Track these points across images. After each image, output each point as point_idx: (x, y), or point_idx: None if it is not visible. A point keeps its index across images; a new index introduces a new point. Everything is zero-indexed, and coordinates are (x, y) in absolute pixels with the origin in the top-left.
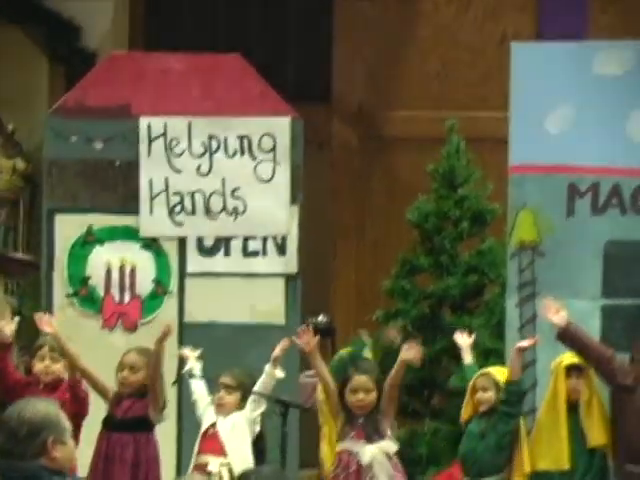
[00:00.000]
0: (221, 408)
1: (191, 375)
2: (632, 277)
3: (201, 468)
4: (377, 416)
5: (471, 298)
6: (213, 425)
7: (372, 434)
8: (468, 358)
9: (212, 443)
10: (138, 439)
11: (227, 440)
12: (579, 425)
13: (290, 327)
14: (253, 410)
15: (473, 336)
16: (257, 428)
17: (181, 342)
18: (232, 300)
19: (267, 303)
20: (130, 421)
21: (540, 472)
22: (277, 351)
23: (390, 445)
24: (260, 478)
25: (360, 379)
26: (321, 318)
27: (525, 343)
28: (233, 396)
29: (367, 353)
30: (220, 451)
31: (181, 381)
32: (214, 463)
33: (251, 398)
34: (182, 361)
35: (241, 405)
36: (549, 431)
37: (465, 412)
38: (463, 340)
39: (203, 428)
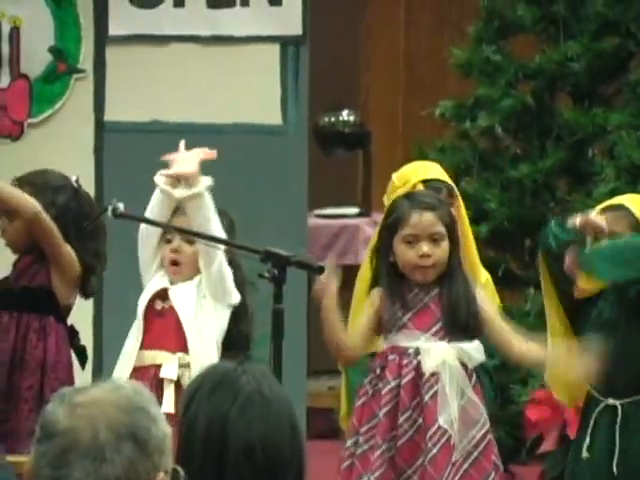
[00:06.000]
0: (177, 270)
1: (116, 212)
2: None
3: (144, 373)
4: (459, 289)
5: (608, 77)
6: (162, 295)
7: (448, 321)
8: None
9: (163, 328)
10: (27, 323)
11: (189, 324)
12: None
13: (290, 132)
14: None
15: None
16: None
17: (99, 161)
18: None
19: (252, 89)
20: (22, 293)
21: None
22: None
23: (474, 350)
24: (231, 383)
25: (423, 218)
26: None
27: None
28: (195, 248)
29: None
30: (178, 342)
31: (102, 222)
32: (169, 364)
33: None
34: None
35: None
36: None
37: (583, 281)
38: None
39: (144, 300)
